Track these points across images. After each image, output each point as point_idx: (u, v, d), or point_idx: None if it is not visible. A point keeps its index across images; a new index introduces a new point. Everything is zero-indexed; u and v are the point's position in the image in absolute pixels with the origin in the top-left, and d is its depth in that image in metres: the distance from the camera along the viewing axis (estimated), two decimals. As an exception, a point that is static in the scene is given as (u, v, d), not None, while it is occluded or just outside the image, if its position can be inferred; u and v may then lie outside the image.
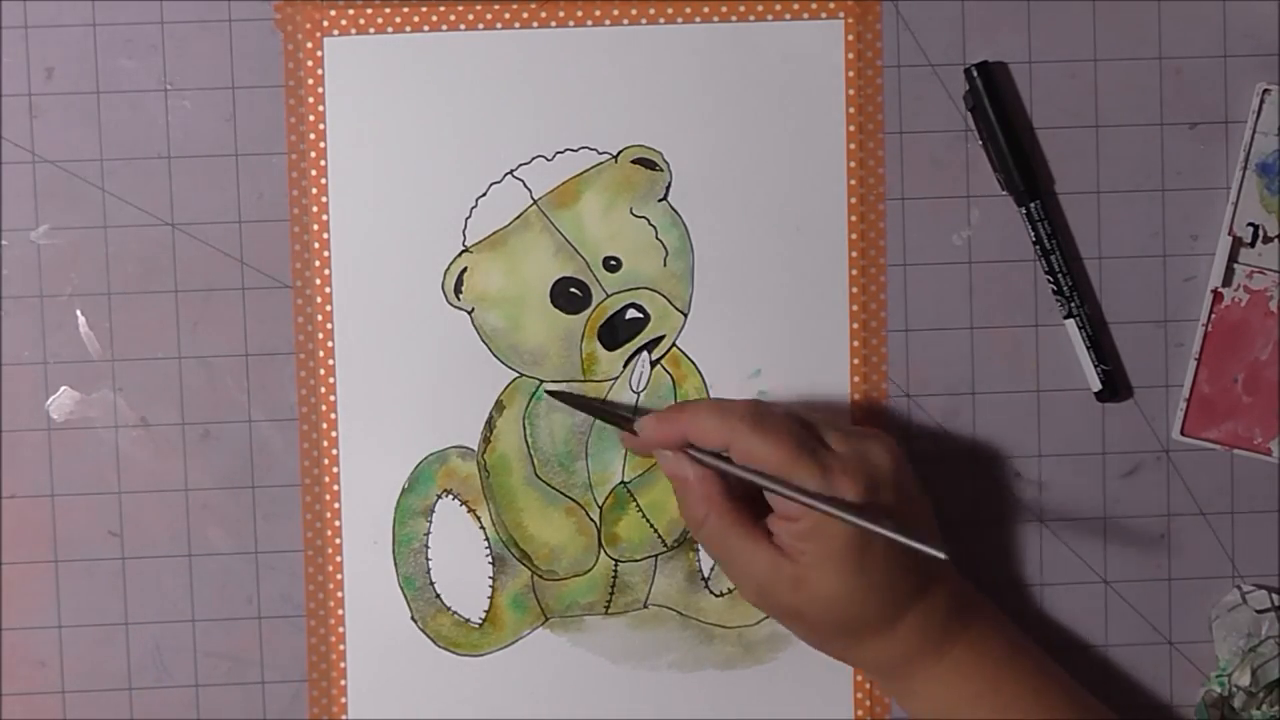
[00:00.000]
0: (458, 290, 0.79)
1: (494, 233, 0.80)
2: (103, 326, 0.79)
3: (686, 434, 0.74)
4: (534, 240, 0.80)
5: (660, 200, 0.80)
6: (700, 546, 0.80)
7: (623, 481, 0.81)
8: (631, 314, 0.80)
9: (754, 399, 0.78)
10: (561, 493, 0.80)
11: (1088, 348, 0.80)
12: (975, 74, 0.79)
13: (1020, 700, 0.74)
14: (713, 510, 0.73)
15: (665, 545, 0.81)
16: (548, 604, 0.81)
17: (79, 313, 0.79)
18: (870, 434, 0.74)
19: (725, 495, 0.74)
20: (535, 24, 0.79)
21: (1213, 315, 0.81)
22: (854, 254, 0.80)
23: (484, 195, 0.79)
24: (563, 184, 0.80)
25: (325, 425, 0.79)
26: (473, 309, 0.80)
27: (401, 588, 0.80)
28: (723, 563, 0.75)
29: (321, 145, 0.79)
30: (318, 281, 0.79)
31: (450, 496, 0.80)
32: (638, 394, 0.80)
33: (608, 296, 0.80)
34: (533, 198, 0.80)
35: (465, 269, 0.79)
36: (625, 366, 0.80)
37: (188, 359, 0.79)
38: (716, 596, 0.81)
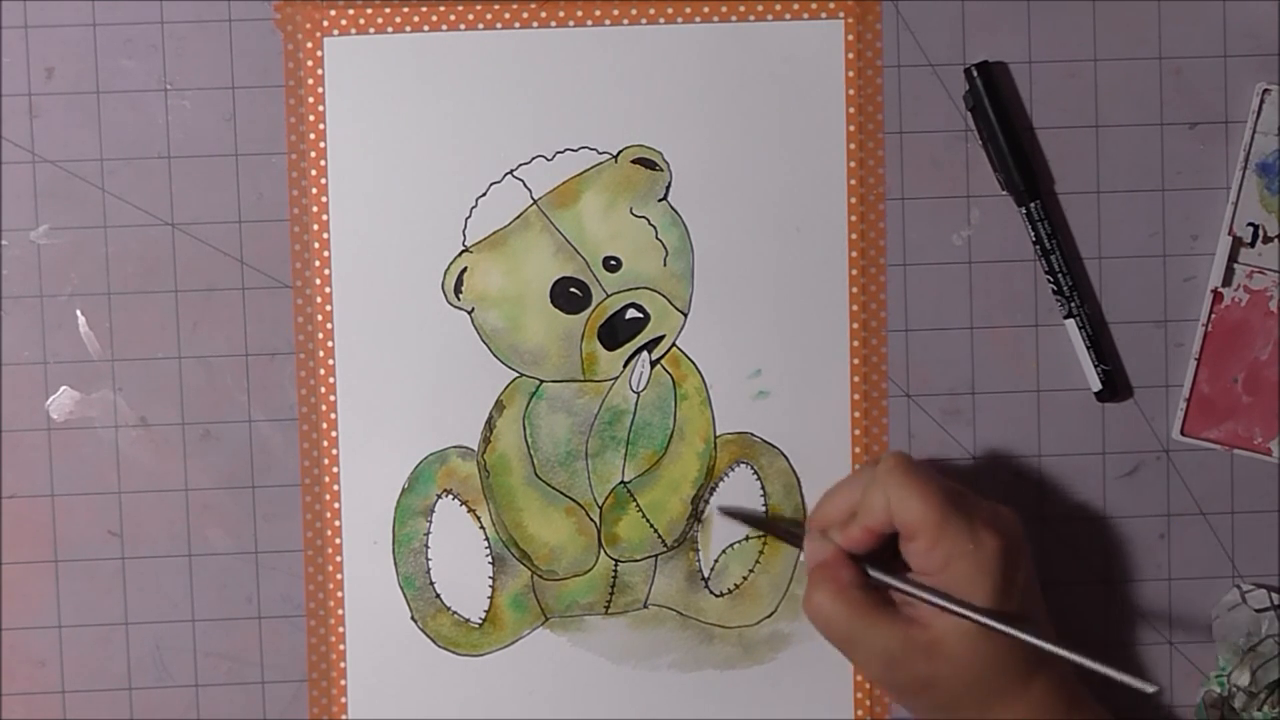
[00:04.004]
0: (458, 290, 0.79)
1: (494, 233, 0.80)
2: (103, 326, 0.79)
3: (850, 500, 0.74)
4: (534, 240, 0.80)
5: (660, 200, 0.80)
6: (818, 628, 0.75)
7: (623, 481, 0.81)
8: (631, 314, 0.80)
9: (901, 451, 0.75)
10: (561, 493, 0.81)
11: (1088, 348, 0.80)
12: (975, 74, 0.79)
13: None
14: (839, 596, 0.72)
15: (665, 545, 0.81)
16: (548, 604, 0.81)
17: (79, 313, 0.79)
18: (994, 503, 0.74)
19: (853, 582, 0.72)
20: (535, 24, 0.79)
21: (1213, 315, 0.81)
22: (854, 254, 0.80)
23: (484, 195, 0.79)
24: (563, 184, 0.80)
25: (325, 425, 0.79)
26: (473, 309, 0.80)
27: (401, 588, 0.80)
28: (846, 644, 0.73)
29: (321, 145, 0.79)
30: (318, 281, 0.79)
31: (450, 496, 0.80)
32: (637, 394, 0.80)
33: (608, 296, 0.80)
34: (533, 198, 0.80)
35: (465, 269, 0.79)
36: (625, 366, 0.80)
37: (188, 359, 0.79)
38: (716, 596, 0.81)
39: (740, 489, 0.81)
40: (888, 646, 0.71)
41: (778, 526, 0.80)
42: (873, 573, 0.73)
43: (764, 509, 0.81)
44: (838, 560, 0.73)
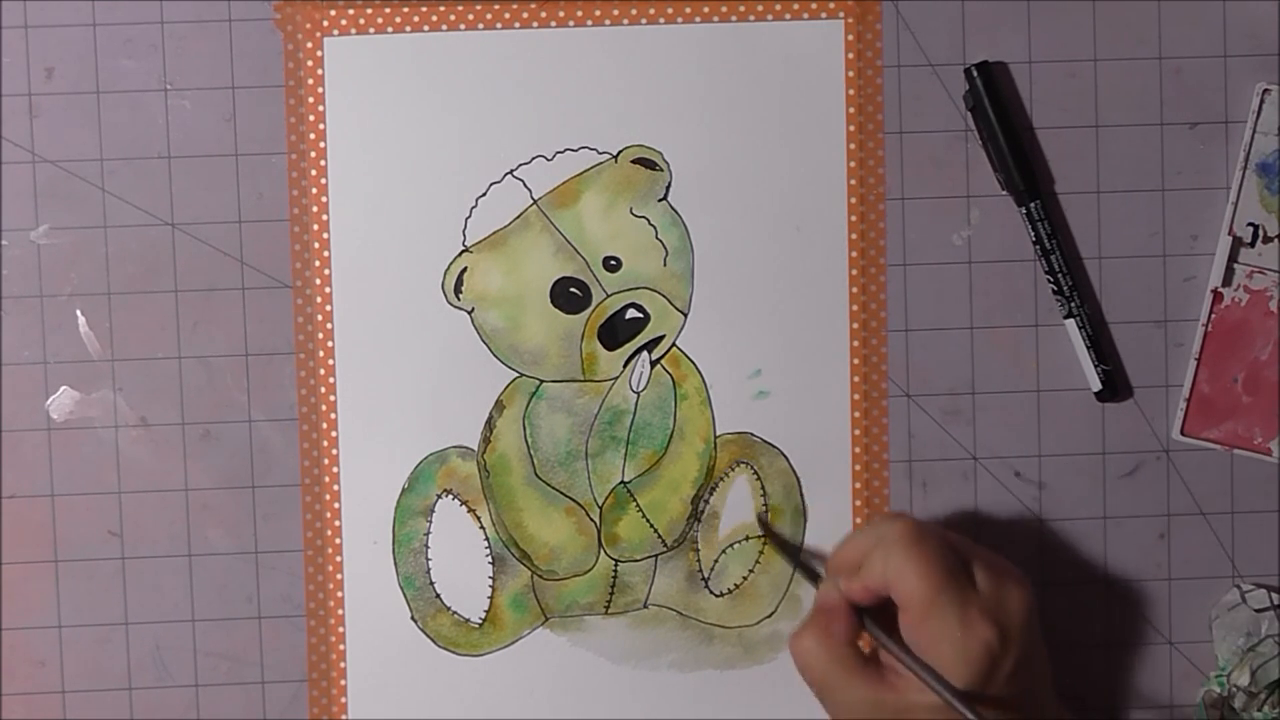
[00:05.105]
0: (458, 290, 0.79)
1: (494, 233, 0.80)
2: (103, 326, 0.79)
3: (861, 550, 0.72)
4: (534, 240, 0.80)
5: (660, 200, 0.80)
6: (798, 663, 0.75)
7: (623, 481, 0.81)
8: (631, 314, 0.80)
9: (910, 517, 0.73)
10: (561, 493, 0.81)
11: (1088, 348, 0.80)
12: (975, 74, 0.79)
13: None
14: (826, 644, 0.72)
15: (665, 545, 0.81)
16: (548, 604, 0.81)
17: (79, 313, 0.79)
18: (1011, 573, 0.72)
19: (845, 637, 0.72)
20: (535, 24, 0.79)
21: (1213, 315, 0.81)
22: (854, 254, 0.80)
23: (484, 195, 0.79)
24: (563, 184, 0.80)
25: (325, 425, 0.79)
26: (473, 309, 0.80)
27: (401, 588, 0.80)
28: (822, 690, 0.73)
29: (321, 145, 0.79)
30: (318, 281, 0.79)
31: (450, 496, 0.80)
32: (637, 394, 0.80)
33: (608, 296, 0.80)
34: (533, 198, 0.80)
35: (465, 269, 0.79)
36: (625, 366, 0.80)
37: (188, 359, 0.79)
38: (716, 596, 0.81)
39: (740, 489, 0.81)
40: (858, 703, 0.71)
41: (805, 563, 0.79)
42: (869, 626, 0.72)
43: (764, 510, 0.81)
44: (839, 611, 0.72)
